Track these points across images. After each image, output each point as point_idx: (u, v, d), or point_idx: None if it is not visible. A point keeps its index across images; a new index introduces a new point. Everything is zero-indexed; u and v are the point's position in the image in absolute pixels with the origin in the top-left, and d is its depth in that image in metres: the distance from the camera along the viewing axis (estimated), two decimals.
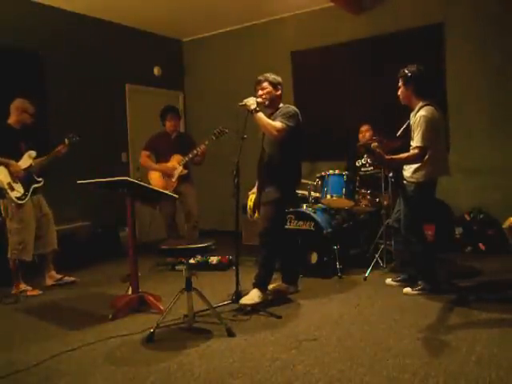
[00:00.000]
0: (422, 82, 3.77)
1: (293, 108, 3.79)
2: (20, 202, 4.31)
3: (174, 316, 3.38)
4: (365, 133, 5.31)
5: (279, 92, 3.85)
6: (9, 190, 4.26)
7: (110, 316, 3.53)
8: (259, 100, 3.71)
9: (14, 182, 4.31)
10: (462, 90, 5.50)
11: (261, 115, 3.63)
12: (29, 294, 4.33)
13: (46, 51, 5.71)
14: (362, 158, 5.23)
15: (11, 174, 4.30)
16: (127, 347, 2.99)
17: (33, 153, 4.49)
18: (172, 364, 2.70)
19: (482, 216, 5.29)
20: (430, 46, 5.63)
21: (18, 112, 4.43)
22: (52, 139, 4.82)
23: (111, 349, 2.97)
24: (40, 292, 4.39)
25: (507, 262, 4.70)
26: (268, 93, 3.77)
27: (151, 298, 3.70)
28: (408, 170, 3.80)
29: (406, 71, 3.77)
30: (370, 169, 5.18)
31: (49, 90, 5.66)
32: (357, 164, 5.34)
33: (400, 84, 3.83)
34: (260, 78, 3.83)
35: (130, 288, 3.77)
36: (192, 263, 4.25)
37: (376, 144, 4.13)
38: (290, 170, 3.79)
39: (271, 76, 3.82)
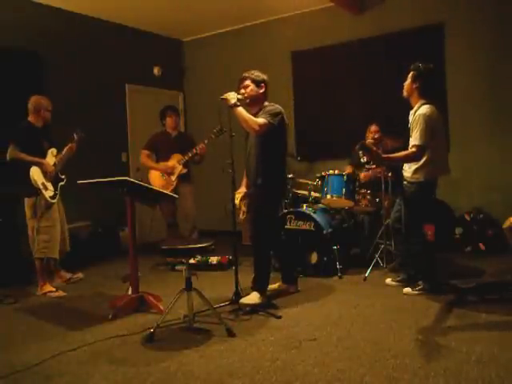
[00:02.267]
0: (429, 82, 3.76)
1: (277, 107, 3.71)
2: (53, 201, 4.36)
3: (174, 316, 3.38)
4: (373, 133, 5.25)
5: (263, 90, 3.75)
6: (43, 190, 4.29)
7: (110, 316, 3.53)
8: (239, 96, 3.63)
9: (47, 181, 4.35)
10: (462, 90, 5.50)
11: (241, 110, 3.55)
12: (54, 295, 4.28)
13: (45, 51, 5.71)
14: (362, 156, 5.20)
15: (44, 173, 4.32)
16: (127, 347, 2.99)
17: (54, 150, 4.50)
18: (172, 364, 2.70)
19: (481, 216, 5.29)
20: (430, 46, 5.62)
21: (41, 111, 4.39)
22: (52, 139, 4.81)
23: (111, 349, 2.97)
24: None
25: (507, 262, 4.69)
26: (250, 90, 3.70)
27: (151, 298, 3.70)
28: (408, 170, 3.79)
29: (417, 67, 3.76)
30: (373, 166, 5.14)
31: (49, 90, 5.64)
32: (362, 161, 5.30)
33: (409, 76, 3.79)
34: (244, 74, 3.77)
35: (130, 288, 3.77)
36: (192, 263, 4.25)
37: (370, 141, 4.13)
38: (275, 170, 3.73)
39: (255, 73, 3.75)
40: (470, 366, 2.49)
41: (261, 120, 3.56)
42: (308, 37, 6.48)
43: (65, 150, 4.50)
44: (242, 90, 3.71)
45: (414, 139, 3.63)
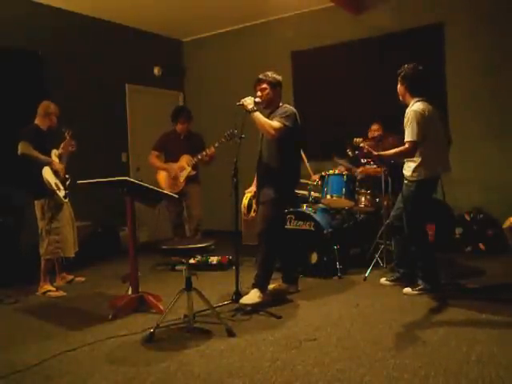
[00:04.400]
0: (417, 80, 3.79)
1: (290, 108, 3.78)
2: (66, 200, 4.40)
3: (174, 316, 3.38)
4: (373, 132, 5.20)
5: (278, 92, 3.83)
6: (57, 191, 4.32)
7: (110, 316, 3.53)
8: (257, 100, 3.69)
9: (59, 181, 4.37)
10: (462, 90, 5.50)
11: (258, 115, 3.61)
12: (53, 295, 4.29)
13: (46, 51, 5.72)
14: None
15: (55, 172, 4.35)
16: (127, 347, 2.99)
17: (56, 151, 4.51)
18: (172, 364, 2.70)
19: (481, 216, 5.29)
20: (430, 46, 5.63)
21: (50, 115, 4.43)
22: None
23: (111, 349, 2.97)
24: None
25: (507, 262, 4.70)
26: (267, 94, 3.76)
27: (151, 298, 3.70)
28: (407, 169, 3.79)
29: (402, 69, 3.81)
30: (373, 166, 5.12)
31: (49, 90, 5.64)
32: (362, 161, 5.29)
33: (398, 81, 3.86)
34: (260, 76, 3.80)
35: (130, 288, 3.77)
36: (192, 263, 4.25)
37: (360, 139, 4.15)
38: (287, 170, 3.77)
39: (271, 76, 3.79)
40: (470, 366, 2.49)
41: (276, 124, 3.60)
42: (308, 37, 6.49)
43: (60, 148, 4.52)
44: (259, 93, 3.77)
45: (407, 136, 3.66)
